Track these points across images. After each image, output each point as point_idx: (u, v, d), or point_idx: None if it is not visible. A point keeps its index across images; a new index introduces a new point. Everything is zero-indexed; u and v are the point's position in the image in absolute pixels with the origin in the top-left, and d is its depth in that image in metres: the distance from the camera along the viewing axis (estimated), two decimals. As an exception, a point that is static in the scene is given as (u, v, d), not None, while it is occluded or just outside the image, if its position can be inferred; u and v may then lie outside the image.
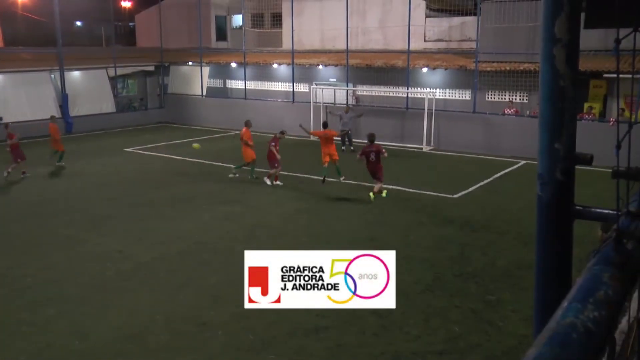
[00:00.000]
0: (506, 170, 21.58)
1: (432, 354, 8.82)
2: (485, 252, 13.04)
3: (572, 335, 1.12)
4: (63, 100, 30.05)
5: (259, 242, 13.64)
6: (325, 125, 20.21)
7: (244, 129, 20.08)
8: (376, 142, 17.15)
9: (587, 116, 22.87)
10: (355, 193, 18.10)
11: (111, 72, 32.96)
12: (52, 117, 22.62)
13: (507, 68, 24.66)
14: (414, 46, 27.12)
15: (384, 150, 16.88)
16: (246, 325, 9.59)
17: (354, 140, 25.04)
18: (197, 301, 10.61)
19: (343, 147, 24.69)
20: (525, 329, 9.21)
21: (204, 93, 34.17)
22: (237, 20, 38.36)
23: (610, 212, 1.94)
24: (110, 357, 8.82)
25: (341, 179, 18.49)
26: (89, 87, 31.93)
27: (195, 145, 17.46)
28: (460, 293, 10.96)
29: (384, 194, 17.15)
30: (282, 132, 19.59)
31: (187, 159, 23.42)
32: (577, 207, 1.94)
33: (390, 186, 18.27)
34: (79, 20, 56.46)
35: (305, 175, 20.32)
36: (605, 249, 1.58)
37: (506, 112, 25.19)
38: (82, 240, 13.83)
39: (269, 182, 18.98)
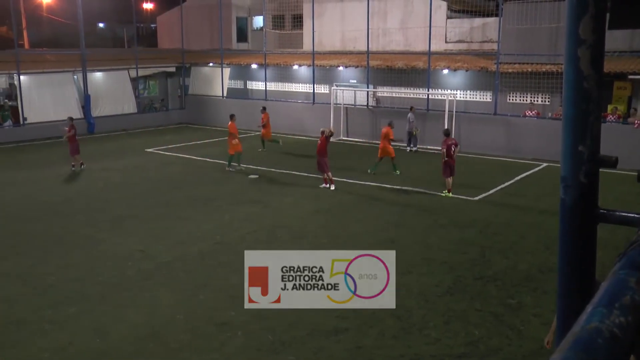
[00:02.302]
0: (527, 173, 21.41)
1: (452, 357, 8.77)
2: (506, 255, 12.94)
3: (597, 340, 1.10)
4: (85, 101, 30.40)
5: (280, 242, 13.66)
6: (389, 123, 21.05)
7: (230, 123, 21.39)
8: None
9: (611, 117, 22.60)
10: (374, 194, 18.07)
11: (133, 73, 33.24)
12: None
13: (529, 69, 24.47)
14: (434, 47, 27.02)
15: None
16: (265, 326, 9.61)
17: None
18: (217, 301, 10.66)
19: (409, 148, 25.34)
20: (546, 334, 9.12)
21: (225, 94, 34.31)
22: (258, 21, 38.48)
23: (636, 215, 1.91)
24: (130, 355, 8.89)
25: (397, 173, 19.70)
26: (110, 88, 32.24)
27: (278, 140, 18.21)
28: (481, 296, 10.89)
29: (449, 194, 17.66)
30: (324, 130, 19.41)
31: (208, 159, 23.54)
32: (601, 211, 1.91)
33: (410, 188, 18.22)
34: (101, 22, 57.02)
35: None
36: (631, 252, 1.55)
37: (527, 114, 25.00)
38: (103, 239, 13.95)
39: (327, 186, 18.76)
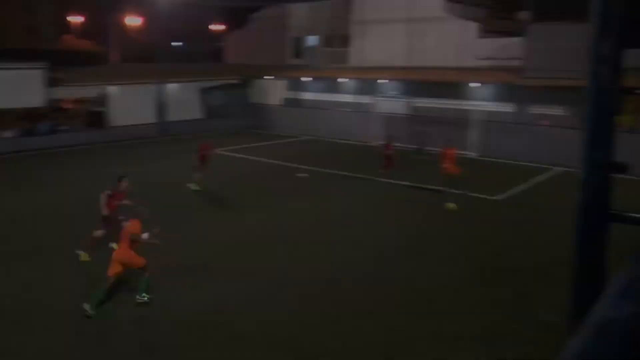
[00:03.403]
0: (544, 176, 20.93)
1: (471, 337, 8.65)
2: (522, 250, 12.67)
3: (614, 329, 1.06)
4: (162, 108, 30.99)
5: (323, 234, 13.69)
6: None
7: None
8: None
9: (621, 128, 21.96)
10: (407, 194, 17.93)
11: (202, 85, 33.76)
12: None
13: (550, 84, 23.90)
14: (466, 63, 26.61)
15: None
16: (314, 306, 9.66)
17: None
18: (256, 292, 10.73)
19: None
20: (556, 320, 8.90)
21: (282, 103, 34.53)
22: (311, 40, 38.65)
23: (646, 217, 1.86)
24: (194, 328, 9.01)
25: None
26: (183, 97, 32.81)
27: (450, 205, 16.54)
28: (498, 285, 10.69)
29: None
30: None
31: (265, 160, 23.70)
32: (614, 212, 1.86)
33: (442, 188, 17.98)
34: (178, 41, 58.18)
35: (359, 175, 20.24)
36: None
37: (542, 123, 24.62)
38: (172, 225, 14.12)
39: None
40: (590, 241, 1.87)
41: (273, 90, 34.82)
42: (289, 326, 9.00)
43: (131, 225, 9.50)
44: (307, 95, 35.55)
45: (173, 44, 57.06)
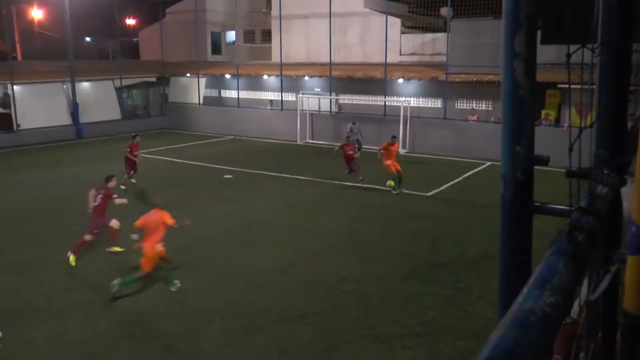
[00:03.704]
0: (474, 171, 21.69)
1: (409, 336, 8.85)
2: (455, 244, 13.10)
3: (531, 318, 1.13)
4: (74, 109, 29.82)
5: (254, 236, 13.62)
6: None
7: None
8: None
9: (544, 122, 23.07)
10: (337, 192, 18.12)
11: (117, 83, 32.75)
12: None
13: (474, 79, 24.80)
14: (390, 59, 27.16)
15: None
16: (240, 313, 9.58)
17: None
18: (196, 291, 10.57)
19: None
20: (491, 313, 9.27)
21: (201, 102, 34.03)
22: (231, 36, 38.26)
23: (565, 207, 1.96)
24: (118, 340, 8.76)
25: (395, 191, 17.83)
26: (97, 97, 31.71)
27: (390, 183, 17.54)
28: (434, 281, 11.01)
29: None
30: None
31: (186, 161, 23.31)
32: (536, 204, 1.95)
33: (371, 185, 18.30)
34: (88, 37, 56.01)
35: (292, 176, 20.30)
36: (559, 240, 1.59)
37: (469, 118, 25.42)
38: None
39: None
40: (515, 233, 1.96)
41: (193, 88, 34.25)
42: (218, 339, 8.89)
43: (165, 215, 10.37)
44: (229, 93, 35.21)
45: (85, 39, 55.06)
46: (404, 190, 17.75)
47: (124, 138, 30.09)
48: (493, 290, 9.99)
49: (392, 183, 17.89)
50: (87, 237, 11.92)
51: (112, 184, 12.58)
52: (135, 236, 10.51)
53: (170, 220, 10.35)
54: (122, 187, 17.67)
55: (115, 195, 12.45)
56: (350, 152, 18.22)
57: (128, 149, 18.83)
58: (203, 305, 9.91)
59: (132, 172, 18.71)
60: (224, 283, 10.88)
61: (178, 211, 15.70)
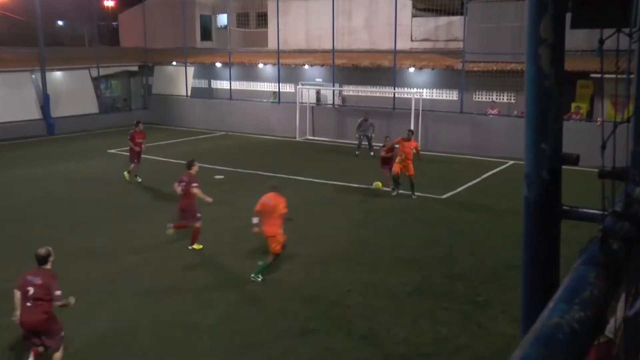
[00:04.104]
0: (494, 171, 21.68)
1: (421, 356, 8.85)
2: (473, 253, 13.10)
3: (557, 335, 1.13)
4: (44, 101, 29.83)
5: (247, 244, 13.61)
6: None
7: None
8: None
9: (574, 116, 23.03)
10: (341, 194, 18.13)
11: (94, 73, 32.77)
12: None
13: (494, 68, 24.79)
14: (400, 46, 27.18)
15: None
16: (233, 329, 9.57)
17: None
18: (183, 305, 10.57)
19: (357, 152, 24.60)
20: (514, 330, 9.25)
21: (189, 94, 34.05)
22: (222, 19, 38.27)
23: (597, 212, 1.96)
24: (95, 362, 8.77)
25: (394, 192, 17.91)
26: (71, 88, 31.72)
27: (377, 184, 18.05)
28: (448, 294, 11.00)
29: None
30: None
31: (172, 160, 23.32)
32: (564, 207, 1.95)
33: (387, 188, 18.30)
34: (60, 20, 56.06)
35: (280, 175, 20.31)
36: (591, 249, 1.59)
37: (489, 112, 25.35)
38: (66, 242, 13.68)
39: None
40: (540, 240, 1.95)
41: (180, 79, 34.28)
42: (207, 359, 8.90)
43: (282, 202, 11.42)
44: (221, 84, 35.24)
45: (57, 23, 55.15)
46: (408, 194, 17.74)
47: (102, 134, 30.31)
48: (516, 305, 9.95)
49: (380, 184, 17.97)
50: (197, 224, 13.22)
51: (194, 168, 13.37)
52: (255, 219, 11.44)
53: (283, 209, 11.35)
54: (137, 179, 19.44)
55: (195, 185, 13.07)
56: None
57: (129, 138, 19.70)
58: (191, 321, 9.91)
59: (136, 162, 19.65)
60: (214, 296, 10.88)
61: (162, 216, 15.78)
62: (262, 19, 35.53)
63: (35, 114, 29.76)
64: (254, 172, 21.05)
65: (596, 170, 2.16)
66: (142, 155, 19.98)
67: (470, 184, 19.64)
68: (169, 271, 12.07)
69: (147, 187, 19.00)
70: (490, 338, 9.34)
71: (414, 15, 29.61)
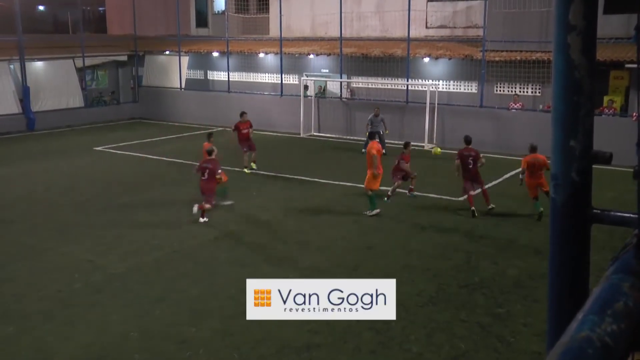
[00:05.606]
0: (517, 171, 21.60)
1: (436, 373, 8.84)
2: (494, 261, 13.07)
3: (587, 350, 1.13)
4: (24, 94, 29.90)
5: (246, 250, 13.63)
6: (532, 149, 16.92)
7: None
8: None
9: (607, 110, 22.97)
10: (349, 196, 18.13)
11: (79, 63, 32.84)
12: None
13: (518, 58, 24.73)
14: (414, 33, 27.17)
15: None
16: (230, 343, 9.59)
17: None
18: (175, 316, 10.59)
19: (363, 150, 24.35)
20: (538, 345, 9.25)
21: (183, 85, 34.11)
22: (219, 4, 38.33)
23: (632, 215, 1.95)
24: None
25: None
26: (53, 79, 31.80)
27: (437, 149, 18.34)
28: (467, 306, 10.98)
29: None
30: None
31: (164, 158, 23.38)
32: (595, 211, 1.95)
33: (389, 188, 18.29)
34: (41, 5, 56.25)
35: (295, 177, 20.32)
36: (624, 256, 1.59)
37: (511, 106, 25.29)
38: (47, 249, 13.76)
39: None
40: (568, 247, 1.95)
41: (173, 69, 34.34)
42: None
43: (375, 147, 15.89)
44: (218, 75, 35.29)
45: (37, 8, 55.34)
46: (421, 195, 17.73)
47: (87, 130, 30.41)
48: (541, 317, 9.96)
49: (439, 150, 18.79)
50: (208, 205, 15.34)
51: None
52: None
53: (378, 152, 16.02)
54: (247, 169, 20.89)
55: (220, 171, 15.43)
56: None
57: (233, 129, 21.60)
58: (185, 334, 9.93)
59: (247, 150, 21.22)
60: (210, 307, 10.89)
61: (152, 216, 15.84)
62: (263, 3, 35.58)
63: (13, 108, 29.85)
64: (253, 172, 21.07)
65: (631, 169, 2.16)
66: (135, 154, 19.98)
67: (491, 184, 19.56)
68: (160, 279, 12.09)
69: (136, 188, 19.04)
70: (512, 354, 9.33)
71: (429, 0, 29.60)
